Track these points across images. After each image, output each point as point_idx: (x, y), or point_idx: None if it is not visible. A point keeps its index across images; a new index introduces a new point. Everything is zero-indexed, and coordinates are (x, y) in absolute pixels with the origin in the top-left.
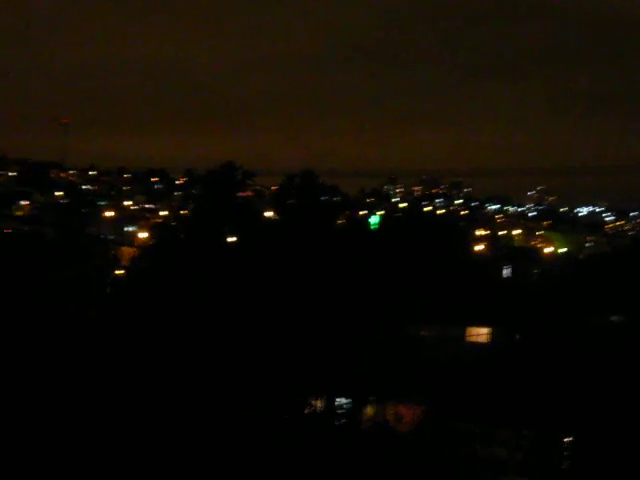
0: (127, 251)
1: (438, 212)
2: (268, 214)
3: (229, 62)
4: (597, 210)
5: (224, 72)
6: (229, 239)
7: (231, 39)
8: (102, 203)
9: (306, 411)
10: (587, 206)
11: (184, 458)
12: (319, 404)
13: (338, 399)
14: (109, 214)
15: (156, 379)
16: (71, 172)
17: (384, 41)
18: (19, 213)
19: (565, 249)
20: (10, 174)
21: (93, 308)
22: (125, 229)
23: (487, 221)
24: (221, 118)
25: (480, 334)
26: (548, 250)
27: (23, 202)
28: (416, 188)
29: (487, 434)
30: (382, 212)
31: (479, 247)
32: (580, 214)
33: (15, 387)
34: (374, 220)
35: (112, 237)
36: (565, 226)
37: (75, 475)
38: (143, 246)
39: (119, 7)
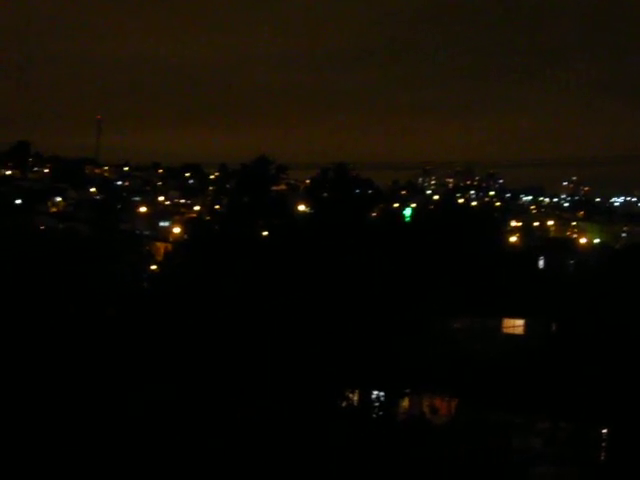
0: (162, 246)
1: (472, 204)
2: (302, 208)
3: (260, 57)
4: (632, 200)
5: (256, 67)
6: (263, 233)
7: (263, 34)
8: (136, 199)
9: (342, 404)
10: (622, 196)
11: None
12: (355, 397)
13: (374, 392)
14: (143, 210)
15: (192, 374)
16: (105, 168)
17: (409, 30)
18: (54, 210)
19: (600, 239)
20: (44, 171)
21: (127, 304)
22: (159, 224)
23: (521, 212)
24: (254, 113)
25: (516, 326)
26: (583, 240)
27: (57, 199)
28: (450, 180)
29: (523, 426)
30: (414, 205)
31: (514, 238)
32: (615, 204)
33: (48, 382)
34: (408, 212)
35: (147, 233)
36: (600, 216)
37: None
38: (177, 241)
39: (156, 5)
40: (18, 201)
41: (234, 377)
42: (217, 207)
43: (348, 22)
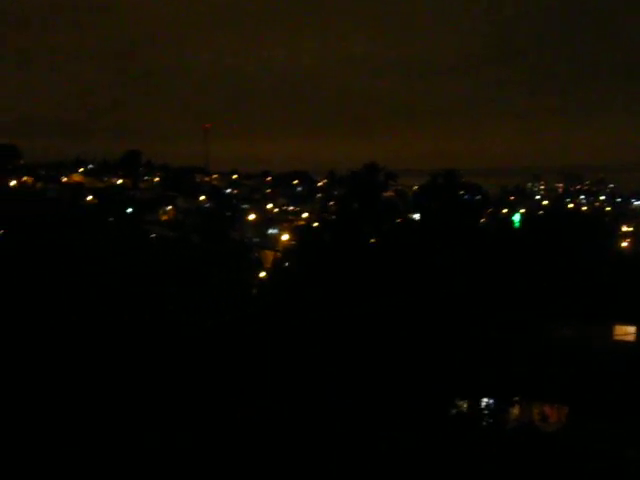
0: (270, 254)
1: (582, 208)
2: (411, 215)
3: (369, 65)
4: None
5: (365, 74)
6: (373, 240)
7: (372, 43)
8: (245, 207)
9: (453, 412)
10: None
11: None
12: (464, 405)
13: (483, 399)
14: (252, 217)
15: (311, 379)
16: (214, 176)
17: (514, 36)
18: (164, 218)
19: None
20: (155, 180)
21: (239, 310)
22: (268, 232)
23: (632, 217)
24: (362, 119)
25: (627, 333)
26: None
27: (168, 207)
28: (559, 185)
29: (635, 436)
30: (523, 210)
31: (625, 243)
32: None
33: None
34: (517, 218)
35: (256, 240)
36: None
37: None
38: (286, 248)
39: (261, 13)
40: (129, 210)
41: (336, 387)
42: (326, 214)
43: (460, 28)
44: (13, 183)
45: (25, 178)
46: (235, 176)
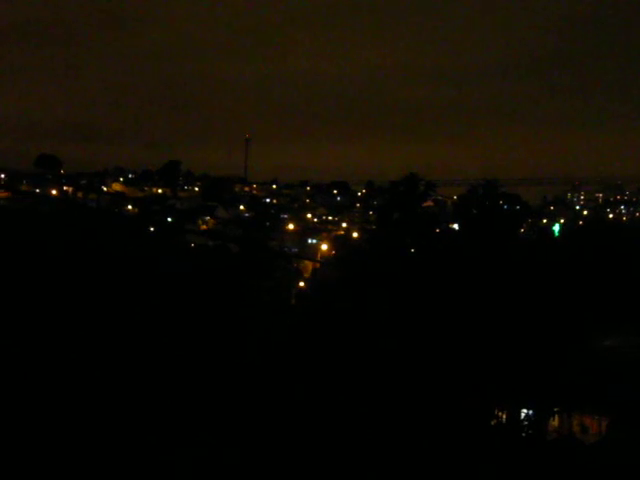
0: (310, 263)
1: (622, 219)
2: (451, 225)
3: (409, 72)
4: None
5: (405, 82)
6: (412, 250)
7: (410, 49)
8: (284, 216)
9: (492, 422)
10: None
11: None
12: (503, 415)
13: (523, 410)
14: (291, 227)
15: (345, 392)
16: (254, 186)
17: (557, 49)
18: (204, 228)
19: None
20: (194, 189)
21: (280, 320)
22: (307, 241)
23: None
24: (402, 128)
25: None
26: None
27: (207, 217)
28: (599, 195)
29: None
30: (563, 220)
31: None
32: None
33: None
34: (556, 228)
35: (295, 250)
36: None
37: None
38: (325, 258)
39: (290, 20)
40: (169, 219)
41: (379, 396)
42: (365, 224)
43: (493, 35)
44: (54, 192)
45: (66, 187)
46: (274, 186)
